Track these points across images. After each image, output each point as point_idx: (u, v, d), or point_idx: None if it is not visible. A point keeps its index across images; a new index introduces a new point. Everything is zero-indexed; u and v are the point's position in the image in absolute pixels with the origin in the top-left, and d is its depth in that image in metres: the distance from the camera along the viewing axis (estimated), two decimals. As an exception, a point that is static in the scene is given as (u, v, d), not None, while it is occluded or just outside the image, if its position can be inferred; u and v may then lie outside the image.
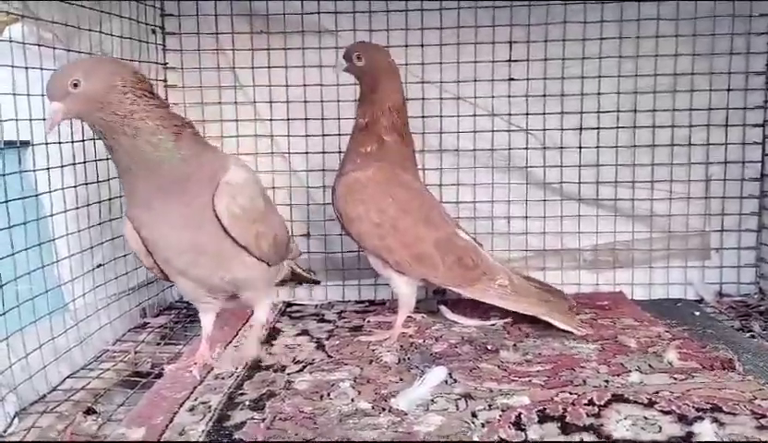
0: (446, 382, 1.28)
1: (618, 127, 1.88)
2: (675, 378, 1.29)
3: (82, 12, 1.51)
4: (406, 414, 1.16)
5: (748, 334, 1.59)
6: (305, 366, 1.42)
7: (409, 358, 1.45)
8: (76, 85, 1.16)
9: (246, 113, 1.94)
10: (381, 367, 1.39)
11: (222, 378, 1.36)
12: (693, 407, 1.14)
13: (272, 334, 1.65)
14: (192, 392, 1.29)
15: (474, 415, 1.14)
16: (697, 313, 1.77)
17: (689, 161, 1.89)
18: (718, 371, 1.32)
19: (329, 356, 1.48)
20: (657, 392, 1.21)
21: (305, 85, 1.91)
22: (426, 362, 1.42)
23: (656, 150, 1.89)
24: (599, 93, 1.87)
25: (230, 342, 1.59)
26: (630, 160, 1.89)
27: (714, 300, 1.88)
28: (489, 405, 1.18)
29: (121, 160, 1.24)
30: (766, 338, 1.55)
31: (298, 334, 1.65)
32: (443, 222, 1.64)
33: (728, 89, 1.85)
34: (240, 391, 1.29)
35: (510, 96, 1.89)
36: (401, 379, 1.32)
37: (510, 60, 1.88)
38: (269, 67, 1.91)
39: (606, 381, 1.28)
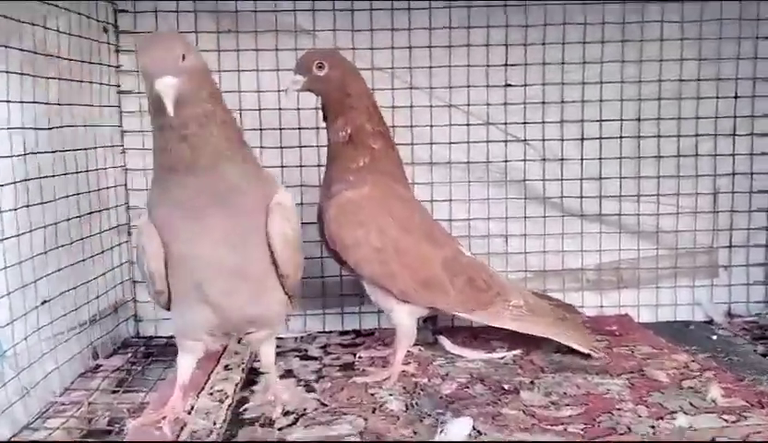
0: (469, 435, 1.10)
1: (621, 137, 1.75)
2: (725, 420, 1.14)
3: (23, 6, 1.27)
4: (434, 482, 0.97)
5: (773, 360, 1.47)
6: (297, 418, 1.20)
7: (417, 403, 1.25)
8: (183, 58, 1.01)
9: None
10: (388, 417, 1.19)
11: (198, 438, 1.14)
12: (763, 458, 0.99)
13: (250, 377, 1.43)
14: (164, 458, 1.06)
15: (514, 479, 0.96)
16: (713, 337, 1.65)
17: (696, 173, 1.77)
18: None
19: (323, 404, 1.27)
20: (713, 439, 1.06)
21: (279, 90, 1.71)
22: (437, 407, 1.23)
23: (662, 162, 1.76)
24: (601, 100, 1.74)
25: (202, 389, 1.36)
26: (634, 172, 1.76)
27: (725, 321, 1.76)
28: (529, 464, 1.00)
29: (173, 153, 1.05)
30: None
31: (282, 376, 1.42)
32: (447, 239, 1.46)
33: (736, 97, 1.74)
34: (224, 455, 1.07)
35: (506, 103, 1.74)
36: (414, 433, 1.12)
37: (506, 64, 1.72)
38: (238, 71, 1.70)
39: (653, 427, 1.12)
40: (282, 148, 1.73)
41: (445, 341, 1.58)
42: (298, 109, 1.70)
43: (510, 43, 1.72)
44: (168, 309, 1.20)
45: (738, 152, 1.77)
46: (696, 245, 1.80)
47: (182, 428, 1.17)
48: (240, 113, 1.70)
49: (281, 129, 1.72)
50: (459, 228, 1.75)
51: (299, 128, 1.72)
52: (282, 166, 1.73)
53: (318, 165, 1.66)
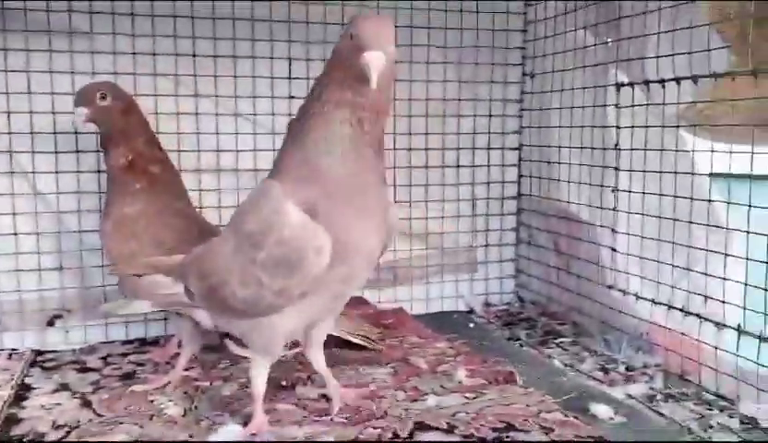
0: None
1: (395, 149, 1.92)
2: (467, 398, 1.33)
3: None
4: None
5: (516, 343, 1.72)
6: (69, 431, 1.19)
7: (196, 407, 1.30)
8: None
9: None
10: (166, 423, 1.22)
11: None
12: (490, 428, 1.19)
13: (21, 393, 1.37)
14: None
15: (280, 470, 1.05)
16: (471, 325, 1.88)
17: (457, 182, 2.00)
18: (503, 385, 1.39)
19: (98, 415, 1.27)
20: (454, 414, 1.24)
21: (53, 93, 1.64)
22: (216, 409, 1.28)
23: (429, 172, 1.97)
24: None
25: None
26: (407, 180, 1.94)
27: (483, 310, 2.01)
28: (295, 456, 1.10)
29: (344, 138, 1.03)
30: (532, 345, 1.69)
31: (55, 390, 1.39)
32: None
33: (490, 116, 2.00)
34: (-16, 477, 1.04)
35: (290, 114, 1.82)
36: (190, 436, 1.17)
37: (289, 77, 1.81)
38: (5, 71, 1.61)
39: (406, 409, 1.27)
40: (56, 153, 1.66)
41: (231, 344, 1.63)
42: (75, 113, 1.65)
43: (293, 58, 1.81)
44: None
45: (492, 163, 2.03)
46: (458, 244, 2.04)
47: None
48: (8, 116, 1.62)
49: (54, 133, 1.65)
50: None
51: (76, 133, 1.66)
52: (57, 172, 1.67)
53: (98, 171, 1.66)
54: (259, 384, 1.17)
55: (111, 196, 1.45)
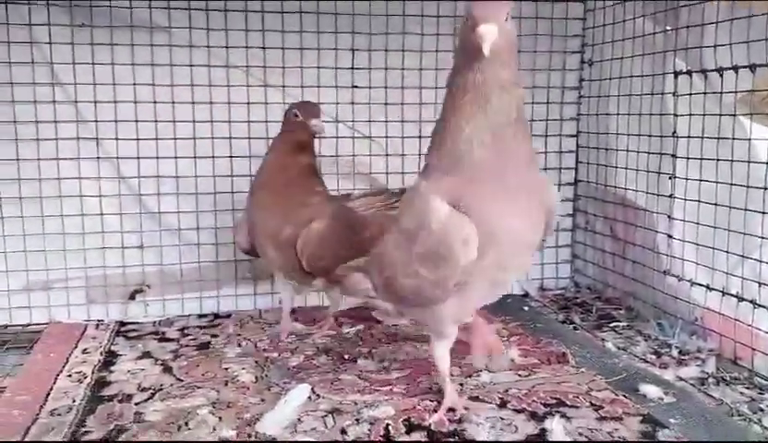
0: (309, 399, 1.27)
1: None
2: (520, 375, 1.39)
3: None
4: (275, 439, 1.12)
5: (571, 326, 1.76)
6: (154, 393, 1.32)
7: (267, 375, 1.40)
8: (506, 18, 1.03)
9: (66, 114, 1.75)
10: (239, 388, 1.34)
11: (59, 415, 1.22)
12: (541, 403, 1.25)
13: (108, 359, 1.51)
14: (25, 435, 1.14)
15: (343, 432, 1.14)
16: (526, 308, 1.93)
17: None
18: (555, 365, 1.45)
19: (178, 379, 1.39)
20: (507, 390, 1.31)
21: (134, 84, 1.78)
22: (285, 377, 1.39)
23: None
24: (436, 103, 1.94)
25: (60, 372, 1.42)
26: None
27: (538, 294, 2.06)
28: (357, 419, 1.19)
29: (472, 119, 1.04)
30: (587, 329, 1.73)
31: (139, 357, 1.52)
32: None
33: (547, 103, 2.03)
34: (84, 429, 1.17)
35: (353, 103, 1.91)
36: (262, 400, 1.28)
37: (352, 68, 1.89)
38: (93, 64, 1.74)
39: (461, 384, 1.35)
40: (138, 140, 1.79)
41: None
42: (154, 103, 1.78)
43: (356, 49, 1.89)
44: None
45: (549, 150, 2.05)
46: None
47: (41, 408, 1.24)
48: (95, 105, 1.76)
49: (136, 122, 1.78)
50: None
51: (155, 121, 1.79)
52: (138, 157, 1.80)
53: (175, 157, 1.78)
54: (442, 363, 1.23)
55: (294, 194, 1.55)
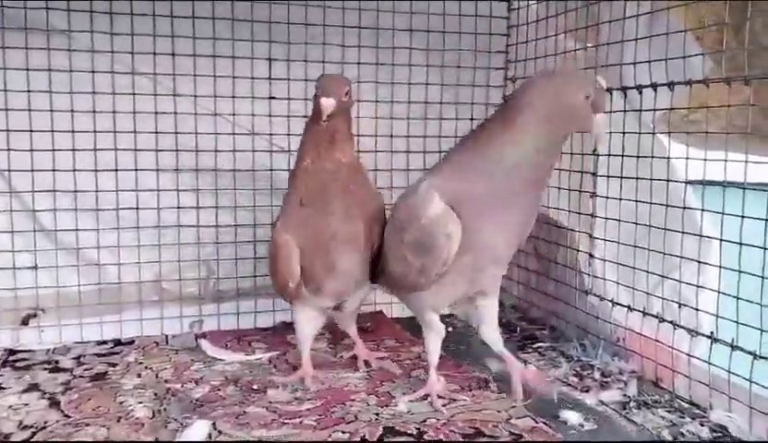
0: (209, 436, 1.16)
1: (376, 151, 1.91)
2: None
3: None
4: (166, 483, 1.01)
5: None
6: (35, 433, 1.18)
7: (165, 409, 1.28)
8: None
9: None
10: (132, 425, 1.21)
11: None
12: (459, 433, 1.18)
13: (-10, 389, 1.36)
14: None
15: (243, 473, 1.04)
16: (450, 329, 1.86)
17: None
18: (476, 391, 1.39)
19: (66, 416, 1.25)
20: (425, 421, 1.23)
21: (29, 91, 1.63)
22: (185, 412, 1.27)
23: (410, 175, 1.94)
24: (358, 116, 1.88)
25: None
26: (387, 184, 1.92)
27: (463, 314, 2.00)
28: (259, 458, 1.09)
29: (524, 158, 1.18)
30: (511, 350, 1.67)
31: (25, 390, 1.38)
32: None
33: (471, 119, 1.99)
34: (-56, 480, 1.02)
35: (270, 116, 1.82)
36: (156, 439, 1.16)
37: (269, 78, 1.80)
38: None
39: (377, 414, 1.26)
40: (32, 151, 1.65)
41: (206, 344, 1.63)
42: (51, 111, 1.64)
43: (273, 58, 1.80)
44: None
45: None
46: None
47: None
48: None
49: (30, 132, 1.64)
50: (226, 234, 1.81)
51: (52, 131, 1.65)
52: (32, 170, 1.65)
53: (73, 170, 1.64)
54: (430, 357, 1.37)
55: (324, 192, 1.34)
